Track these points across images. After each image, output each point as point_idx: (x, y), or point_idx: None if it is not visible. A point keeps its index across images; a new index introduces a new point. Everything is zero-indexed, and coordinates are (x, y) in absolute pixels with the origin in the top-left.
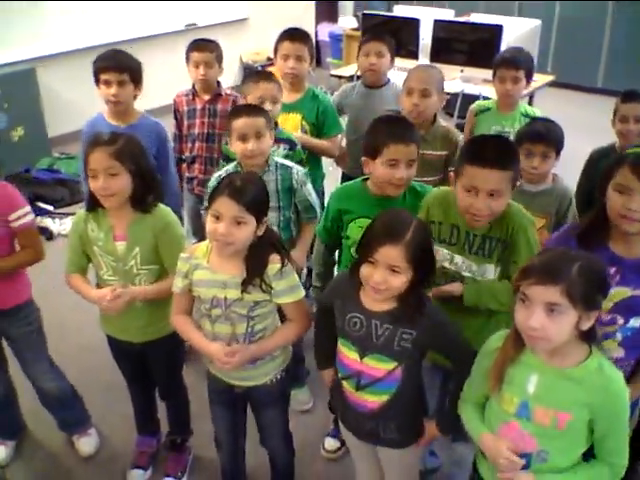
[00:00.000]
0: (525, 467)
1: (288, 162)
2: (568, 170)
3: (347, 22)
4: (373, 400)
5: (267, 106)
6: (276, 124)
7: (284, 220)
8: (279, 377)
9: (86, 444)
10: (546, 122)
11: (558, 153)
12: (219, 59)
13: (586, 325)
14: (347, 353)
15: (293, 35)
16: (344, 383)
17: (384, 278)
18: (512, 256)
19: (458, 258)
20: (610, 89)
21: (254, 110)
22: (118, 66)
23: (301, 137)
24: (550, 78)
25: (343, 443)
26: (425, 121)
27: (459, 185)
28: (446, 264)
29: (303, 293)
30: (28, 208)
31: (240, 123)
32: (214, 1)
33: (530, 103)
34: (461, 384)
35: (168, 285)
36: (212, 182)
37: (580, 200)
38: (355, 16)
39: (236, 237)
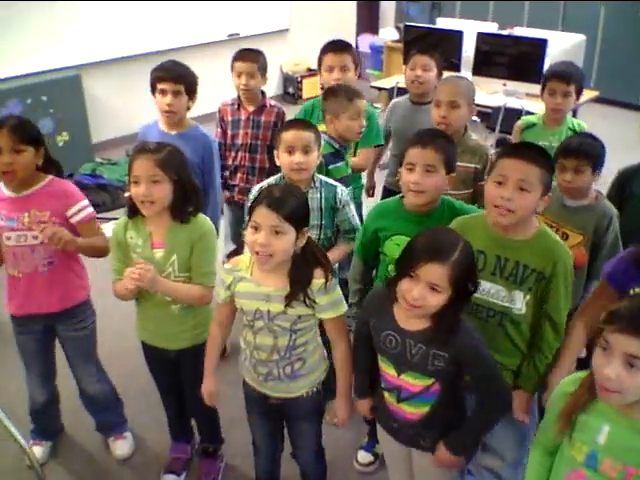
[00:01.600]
0: None
1: (333, 181)
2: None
3: (388, 34)
4: (413, 412)
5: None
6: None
7: (325, 239)
8: (315, 390)
9: (122, 447)
10: (583, 137)
11: (595, 168)
12: (262, 69)
13: None
14: (386, 369)
15: (336, 46)
16: (386, 394)
17: (423, 295)
18: (550, 294)
19: (487, 285)
20: None
21: (304, 124)
22: (175, 77)
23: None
24: (594, 94)
25: (376, 457)
26: (455, 133)
27: (489, 182)
28: (477, 294)
29: (345, 307)
30: (85, 202)
31: (289, 135)
32: (257, 12)
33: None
34: (482, 413)
35: (195, 292)
36: (253, 193)
37: None
38: (396, 28)
39: (275, 247)
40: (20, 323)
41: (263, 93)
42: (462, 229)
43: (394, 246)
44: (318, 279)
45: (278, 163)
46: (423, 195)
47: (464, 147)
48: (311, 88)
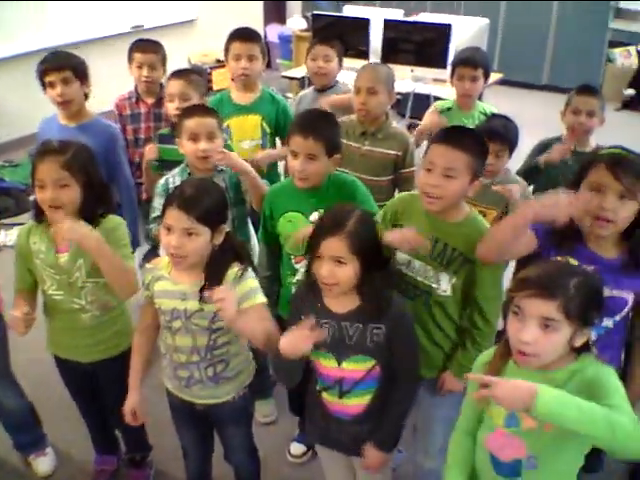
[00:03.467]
0: (516, 474)
1: None
2: (512, 164)
3: (296, 23)
4: (356, 404)
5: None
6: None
7: (238, 217)
8: (242, 394)
9: (43, 464)
10: (504, 120)
11: (512, 151)
12: (163, 61)
13: (579, 342)
14: (324, 363)
15: (243, 34)
16: (325, 395)
17: (331, 271)
18: (477, 280)
19: (416, 263)
20: (555, 85)
21: (206, 110)
22: (58, 65)
23: (262, 158)
24: (499, 76)
25: (309, 447)
26: (376, 120)
27: (421, 168)
28: (403, 268)
29: (263, 298)
30: None
31: (192, 123)
32: (161, 1)
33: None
34: (400, 397)
35: (120, 261)
36: (159, 187)
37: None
38: (304, 17)
39: (188, 249)
40: None
41: (161, 85)
42: (404, 206)
43: (286, 223)
44: (233, 269)
45: (181, 151)
46: (308, 181)
47: (385, 134)
48: (222, 79)
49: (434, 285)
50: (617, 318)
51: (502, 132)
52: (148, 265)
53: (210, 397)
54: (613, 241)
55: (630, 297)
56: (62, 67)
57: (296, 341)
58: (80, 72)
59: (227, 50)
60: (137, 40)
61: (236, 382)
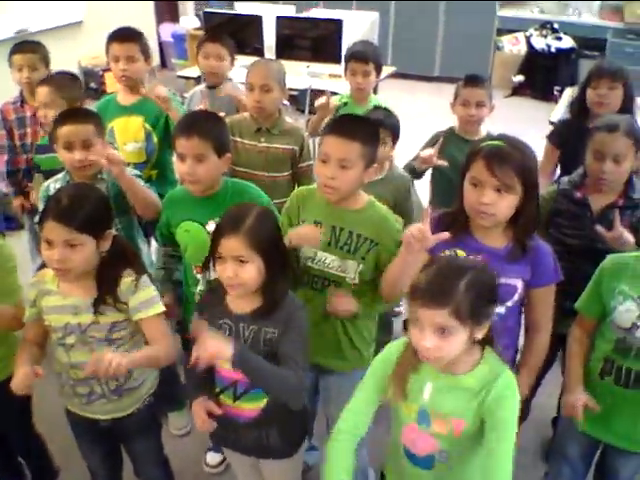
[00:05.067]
0: (429, 466)
1: None
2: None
3: (189, 22)
4: (252, 407)
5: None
6: None
7: (125, 228)
8: (147, 404)
9: None
10: (383, 110)
11: (394, 141)
12: (45, 60)
13: (479, 335)
14: (222, 364)
15: (120, 36)
16: (221, 397)
17: (234, 271)
18: (381, 266)
19: (321, 255)
20: (448, 76)
21: (82, 115)
22: None
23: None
24: (391, 69)
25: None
26: (270, 116)
27: (317, 160)
28: (309, 262)
29: (162, 308)
30: None
31: (64, 131)
32: (46, 1)
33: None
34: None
35: (5, 310)
36: (41, 193)
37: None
38: (197, 15)
39: (73, 262)
40: None
41: None
42: (303, 199)
43: (184, 233)
44: (127, 278)
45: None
46: (199, 184)
47: (280, 129)
48: (114, 82)
49: (342, 274)
50: (509, 304)
51: (384, 121)
52: (31, 280)
53: (115, 411)
54: (500, 230)
55: (519, 283)
56: None
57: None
58: None
59: (107, 52)
60: (16, 43)
61: (141, 391)
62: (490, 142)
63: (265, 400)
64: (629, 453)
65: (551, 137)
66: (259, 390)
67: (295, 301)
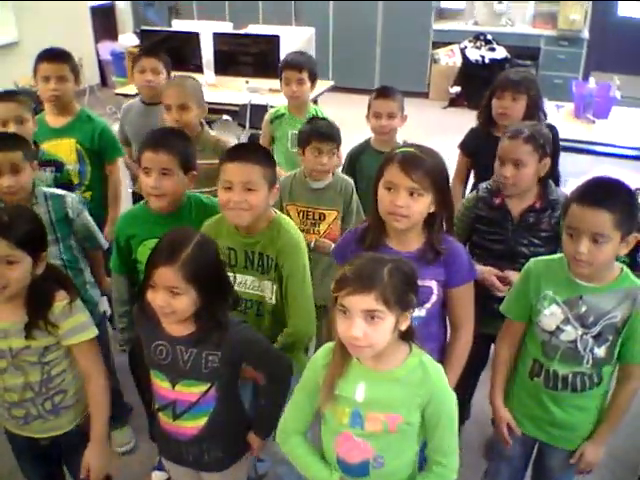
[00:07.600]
0: (364, 473)
1: (59, 191)
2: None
3: (128, 40)
4: (192, 426)
5: (12, 128)
6: (36, 145)
7: (66, 252)
8: (87, 417)
9: None
10: (325, 120)
11: (339, 148)
12: None
13: (404, 325)
14: (160, 383)
15: (51, 55)
16: (161, 415)
17: (166, 301)
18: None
19: (241, 277)
20: None
21: (8, 142)
22: None
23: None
24: (330, 83)
25: None
26: (192, 133)
27: (219, 187)
28: (236, 287)
29: (96, 332)
30: None
31: None
32: None
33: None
34: (279, 392)
35: None
36: None
37: None
38: (135, 33)
39: (9, 279)
40: None
41: None
42: (212, 232)
43: (147, 251)
44: (60, 301)
45: None
46: (164, 198)
47: (204, 144)
48: None
49: (261, 294)
50: (428, 306)
51: (331, 131)
52: None
53: (54, 429)
54: (414, 235)
55: (433, 285)
56: None
57: None
58: None
59: (35, 72)
60: None
61: (79, 407)
62: (403, 149)
63: (205, 419)
64: (564, 450)
65: (461, 146)
66: (199, 409)
67: (245, 330)
